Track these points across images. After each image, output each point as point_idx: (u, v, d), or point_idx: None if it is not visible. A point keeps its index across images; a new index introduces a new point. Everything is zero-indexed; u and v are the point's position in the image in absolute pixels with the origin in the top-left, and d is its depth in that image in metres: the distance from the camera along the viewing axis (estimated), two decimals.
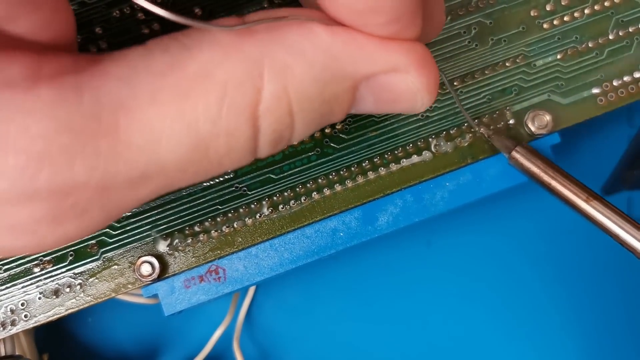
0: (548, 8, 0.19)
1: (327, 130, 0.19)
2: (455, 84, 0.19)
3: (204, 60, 0.12)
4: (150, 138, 0.12)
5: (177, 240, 0.18)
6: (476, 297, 0.25)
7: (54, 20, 0.12)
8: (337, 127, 0.19)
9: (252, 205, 0.19)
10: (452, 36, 0.19)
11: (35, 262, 0.18)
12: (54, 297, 0.18)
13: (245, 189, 0.19)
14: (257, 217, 0.19)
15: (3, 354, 0.20)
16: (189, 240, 0.18)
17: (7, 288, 0.18)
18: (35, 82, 0.11)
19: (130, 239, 0.18)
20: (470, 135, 0.19)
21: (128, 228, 0.18)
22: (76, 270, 0.18)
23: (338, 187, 0.19)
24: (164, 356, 0.25)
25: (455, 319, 0.25)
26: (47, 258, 0.18)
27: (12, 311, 0.18)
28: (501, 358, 0.25)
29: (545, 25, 0.19)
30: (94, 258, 0.18)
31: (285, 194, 0.19)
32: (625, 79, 0.20)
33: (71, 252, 0.18)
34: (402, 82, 0.14)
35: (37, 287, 0.18)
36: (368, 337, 0.25)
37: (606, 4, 0.20)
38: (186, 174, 0.12)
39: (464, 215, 0.25)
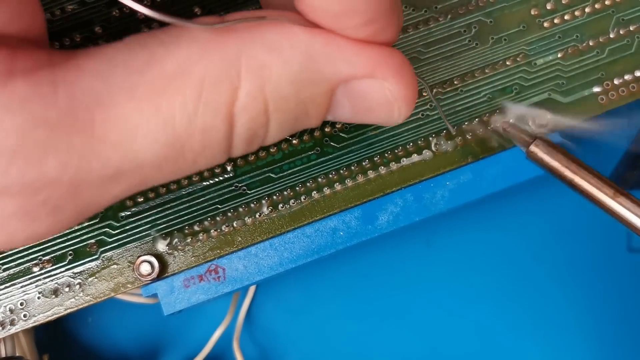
0: (548, 7, 0.19)
1: (327, 129, 0.19)
2: (455, 82, 0.19)
3: (181, 57, 0.12)
4: (125, 135, 0.11)
5: (176, 240, 0.18)
6: (476, 296, 0.25)
7: (21, 11, 0.12)
8: (337, 126, 0.19)
9: (252, 205, 0.19)
10: (453, 35, 0.19)
11: (35, 261, 0.18)
12: (53, 296, 0.18)
13: (244, 188, 0.19)
14: (257, 216, 0.19)
15: (3, 354, 0.20)
16: (189, 240, 0.18)
17: (6, 288, 0.18)
18: (10, 77, 0.11)
19: (129, 239, 0.18)
20: (470, 134, 0.19)
21: (127, 227, 0.18)
22: (75, 270, 0.18)
23: (338, 186, 0.19)
24: (164, 356, 0.25)
25: (456, 318, 0.25)
26: (47, 257, 0.18)
27: (11, 311, 0.18)
28: (501, 357, 0.25)
29: (545, 24, 0.19)
30: (93, 257, 0.18)
31: (285, 193, 0.19)
32: (626, 77, 0.20)
33: (70, 252, 0.18)
34: (380, 90, 0.13)
35: (36, 286, 0.18)
36: (368, 336, 0.25)
37: (607, 2, 0.20)
38: (161, 171, 0.12)
39: (465, 215, 0.25)
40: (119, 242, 0.18)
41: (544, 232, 0.25)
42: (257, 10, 0.13)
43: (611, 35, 0.20)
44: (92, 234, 0.18)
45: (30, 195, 0.11)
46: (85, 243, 0.18)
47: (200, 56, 0.12)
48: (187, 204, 0.18)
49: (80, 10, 0.18)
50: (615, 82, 0.20)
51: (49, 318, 0.18)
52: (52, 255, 0.18)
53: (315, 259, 0.19)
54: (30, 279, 0.18)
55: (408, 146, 0.19)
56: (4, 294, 0.18)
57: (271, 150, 0.19)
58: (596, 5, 0.20)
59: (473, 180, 0.19)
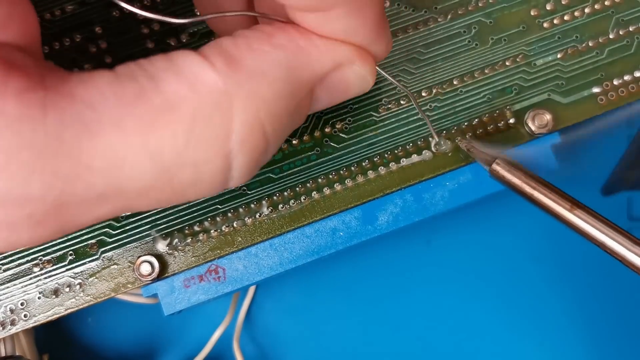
0: (548, 7, 0.19)
1: (327, 130, 0.19)
2: (455, 83, 0.19)
3: (170, 93, 0.12)
4: (112, 164, 0.12)
5: (176, 240, 0.18)
6: (476, 296, 0.25)
7: (13, 19, 0.12)
8: (337, 126, 0.19)
9: (252, 205, 0.19)
10: (452, 35, 0.19)
11: (35, 261, 0.18)
12: (54, 296, 0.18)
13: (244, 188, 0.19)
14: (257, 216, 0.19)
15: (3, 354, 0.20)
16: (189, 240, 0.18)
17: (6, 288, 0.18)
18: (1, 97, 0.11)
19: (129, 239, 0.18)
20: (470, 134, 0.19)
21: (127, 228, 0.18)
22: (76, 270, 0.18)
23: (338, 187, 0.19)
24: (164, 356, 0.25)
25: (456, 318, 0.25)
26: (47, 258, 0.18)
27: (11, 311, 0.18)
28: (501, 357, 0.25)
29: (545, 25, 0.19)
30: (94, 258, 0.18)
31: (285, 193, 0.19)
32: (626, 78, 0.20)
33: (71, 252, 0.18)
34: (351, 73, 0.15)
35: (37, 286, 0.18)
36: (368, 336, 0.25)
37: (606, 3, 0.20)
38: (147, 199, 0.13)
39: (464, 215, 0.25)
40: (120, 242, 0.18)
41: (543, 233, 0.25)
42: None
43: (611, 36, 0.20)
44: (92, 234, 0.18)
45: (14, 208, 0.11)
46: (85, 243, 0.18)
47: (188, 93, 0.12)
48: (187, 204, 0.18)
49: (80, 11, 0.18)
50: (615, 82, 0.20)
51: (50, 318, 0.18)
52: (53, 255, 0.18)
53: (315, 259, 0.19)
54: (30, 279, 0.18)
55: (408, 146, 0.19)
56: (4, 293, 0.18)
57: None
58: (596, 6, 0.20)
59: (473, 180, 0.19)
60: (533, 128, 0.19)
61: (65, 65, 0.18)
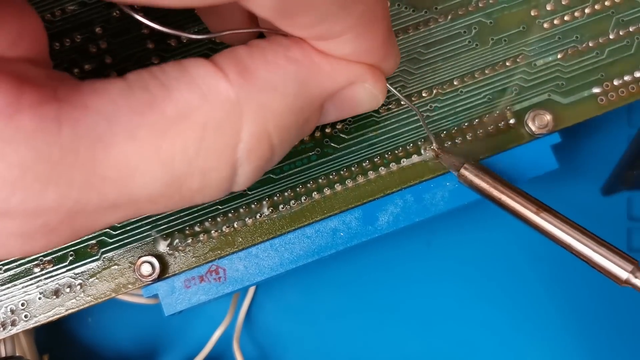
0: (548, 8, 0.19)
1: (327, 130, 0.19)
2: (455, 83, 0.19)
3: (182, 102, 0.12)
4: (124, 173, 0.12)
5: (177, 240, 0.18)
6: (476, 297, 0.25)
7: (24, 34, 0.12)
8: (337, 126, 0.19)
9: (253, 205, 0.19)
10: (453, 36, 0.19)
11: (36, 262, 0.18)
12: (54, 297, 0.18)
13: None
14: (258, 217, 0.19)
15: (3, 354, 0.20)
16: (189, 240, 0.18)
17: (7, 288, 0.18)
18: (16, 111, 0.11)
19: (130, 239, 0.18)
20: (470, 134, 0.19)
21: (128, 228, 0.18)
22: (76, 270, 0.18)
23: (338, 187, 0.19)
24: (164, 356, 0.25)
25: (456, 318, 0.25)
26: (48, 258, 0.18)
27: (12, 311, 0.18)
28: (501, 356, 0.25)
29: (545, 25, 0.19)
30: (94, 258, 0.18)
31: (286, 193, 0.19)
32: (626, 78, 0.20)
33: (71, 252, 0.18)
34: (362, 91, 0.15)
35: (38, 287, 0.18)
36: (368, 337, 0.25)
37: (607, 3, 0.20)
38: (157, 205, 0.13)
39: (465, 215, 0.25)
40: (120, 243, 0.18)
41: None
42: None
43: (611, 36, 0.20)
44: (93, 234, 0.18)
45: (29, 219, 0.12)
46: (86, 244, 0.18)
47: (200, 102, 0.12)
48: None
49: (81, 11, 0.18)
50: (615, 83, 0.20)
51: (50, 318, 0.18)
52: (53, 255, 0.18)
53: (316, 259, 0.19)
54: (31, 279, 0.18)
55: (408, 147, 0.19)
56: (5, 294, 0.18)
57: None
58: (596, 7, 0.20)
59: None
60: (533, 128, 0.19)
61: (65, 66, 0.18)
